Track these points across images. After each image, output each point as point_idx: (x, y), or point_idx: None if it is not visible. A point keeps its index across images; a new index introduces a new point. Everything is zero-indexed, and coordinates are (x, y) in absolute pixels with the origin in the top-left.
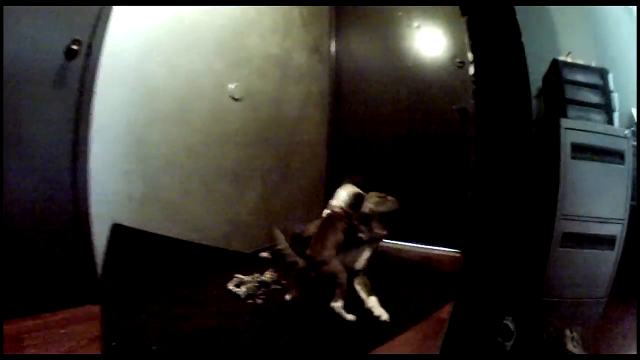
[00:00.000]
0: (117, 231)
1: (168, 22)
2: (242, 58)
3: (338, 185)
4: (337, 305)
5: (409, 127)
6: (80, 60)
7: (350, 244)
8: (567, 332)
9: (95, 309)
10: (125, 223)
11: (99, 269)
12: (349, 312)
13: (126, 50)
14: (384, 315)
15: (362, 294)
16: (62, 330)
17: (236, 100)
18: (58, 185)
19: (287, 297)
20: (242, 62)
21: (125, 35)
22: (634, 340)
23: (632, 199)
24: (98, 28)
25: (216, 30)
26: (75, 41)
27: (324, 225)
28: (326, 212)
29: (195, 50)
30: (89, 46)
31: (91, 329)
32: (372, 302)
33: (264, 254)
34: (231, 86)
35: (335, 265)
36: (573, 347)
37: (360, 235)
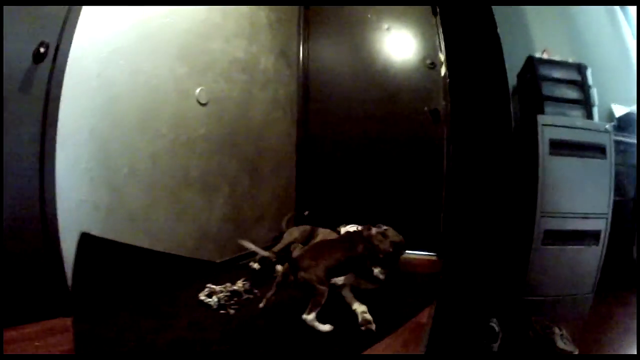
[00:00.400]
0: (86, 241)
1: (132, 26)
2: (207, 63)
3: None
4: (309, 317)
5: (379, 130)
6: (48, 64)
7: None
8: (556, 330)
9: (68, 321)
10: (93, 233)
11: (69, 281)
12: (325, 322)
13: (91, 55)
14: (372, 325)
15: (350, 301)
16: (37, 343)
17: (202, 105)
18: (25, 193)
19: (261, 305)
20: (207, 67)
21: (91, 39)
22: (626, 335)
23: (616, 194)
24: (66, 31)
25: (181, 34)
26: (43, 44)
27: (332, 240)
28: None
29: (159, 55)
30: (57, 49)
31: (64, 341)
32: (361, 309)
33: (255, 265)
34: (197, 91)
35: (316, 275)
36: (563, 344)
37: (378, 275)
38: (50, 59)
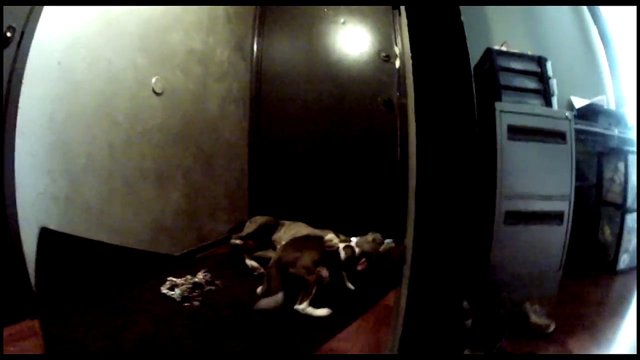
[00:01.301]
0: (46, 236)
1: (94, 15)
2: (166, 53)
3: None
4: (301, 307)
5: (332, 121)
6: (13, 49)
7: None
8: (527, 305)
9: (35, 323)
10: (52, 226)
11: (32, 278)
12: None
13: (54, 42)
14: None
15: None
16: (10, 348)
17: (158, 94)
18: None
19: (259, 290)
20: (165, 57)
21: (55, 26)
22: (599, 309)
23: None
24: (32, 15)
25: (141, 24)
26: (10, 28)
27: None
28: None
29: (118, 44)
30: (22, 34)
31: (35, 344)
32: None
33: (236, 241)
34: (152, 80)
35: (303, 267)
36: (537, 318)
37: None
38: (15, 43)
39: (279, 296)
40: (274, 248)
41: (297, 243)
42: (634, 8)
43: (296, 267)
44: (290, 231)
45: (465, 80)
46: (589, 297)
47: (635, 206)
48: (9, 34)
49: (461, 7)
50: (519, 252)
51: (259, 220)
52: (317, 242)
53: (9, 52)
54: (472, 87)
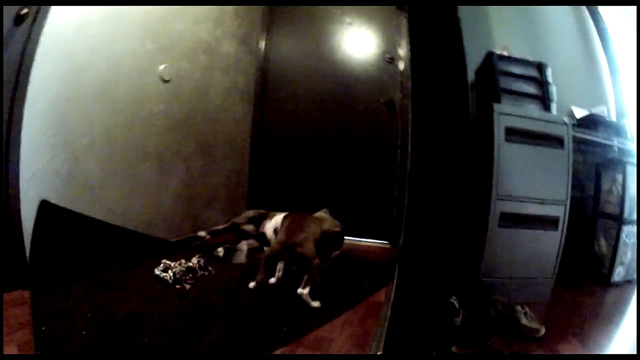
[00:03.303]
0: (45, 209)
1: None
2: (173, 41)
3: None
4: (305, 292)
5: (334, 119)
6: (26, 27)
7: None
8: (518, 308)
9: (26, 293)
10: (53, 201)
11: (28, 251)
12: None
13: (63, 23)
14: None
15: None
16: None
17: (165, 81)
18: None
19: (251, 284)
20: (172, 45)
21: (65, 8)
22: (594, 321)
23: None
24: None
25: (149, 11)
26: (25, 7)
27: (307, 217)
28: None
29: (125, 30)
30: (37, 12)
31: (23, 313)
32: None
33: (203, 233)
34: (161, 67)
35: (310, 249)
36: (528, 322)
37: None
38: (29, 22)
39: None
40: (264, 240)
41: (301, 223)
42: (633, 9)
43: (304, 247)
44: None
45: (460, 80)
46: (581, 306)
47: (632, 218)
48: (23, 12)
49: (463, 13)
50: (512, 255)
51: (250, 212)
52: (316, 223)
53: (22, 31)
54: (467, 86)
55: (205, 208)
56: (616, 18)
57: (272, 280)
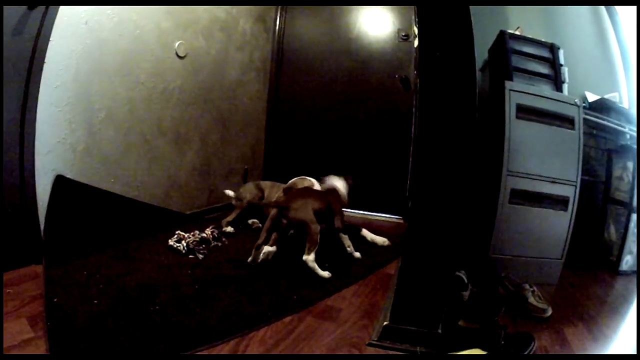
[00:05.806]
0: (60, 183)
1: None
2: (190, 19)
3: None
4: (310, 258)
5: (350, 96)
6: (42, 8)
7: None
8: (526, 286)
9: (39, 268)
10: (68, 175)
11: (42, 225)
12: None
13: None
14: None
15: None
16: (8, 290)
17: (180, 57)
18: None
19: (251, 258)
20: (189, 22)
21: None
22: (602, 306)
23: (588, 174)
24: None
25: None
26: None
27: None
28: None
29: (143, 7)
30: None
31: (35, 287)
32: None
33: (229, 192)
34: (176, 44)
35: (307, 213)
36: (536, 301)
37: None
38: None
39: (273, 248)
40: (265, 212)
41: (303, 192)
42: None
43: (300, 211)
44: (275, 191)
45: (468, 61)
46: (589, 291)
47: None
48: None
49: None
50: (522, 234)
51: (250, 186)
52: (319, 194)
53: (38, 11)
54: (474, 67)
55: (221, 181)
56: (628, 8)
57: (272, 248)
